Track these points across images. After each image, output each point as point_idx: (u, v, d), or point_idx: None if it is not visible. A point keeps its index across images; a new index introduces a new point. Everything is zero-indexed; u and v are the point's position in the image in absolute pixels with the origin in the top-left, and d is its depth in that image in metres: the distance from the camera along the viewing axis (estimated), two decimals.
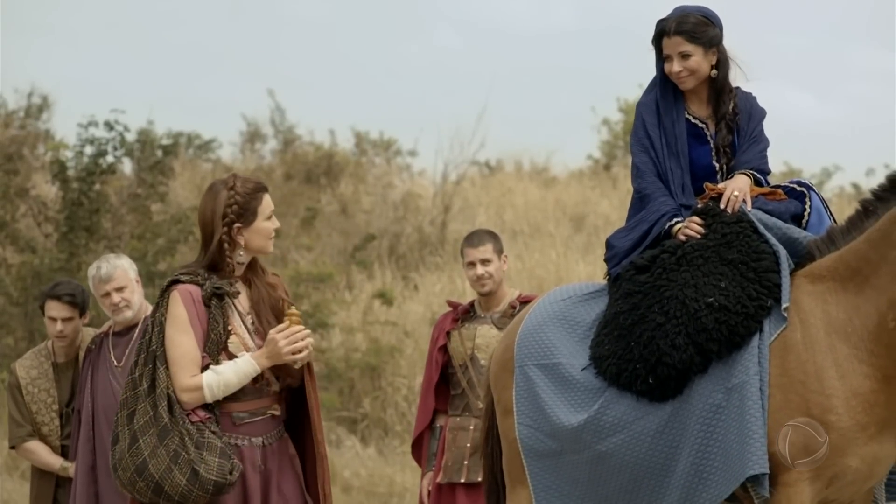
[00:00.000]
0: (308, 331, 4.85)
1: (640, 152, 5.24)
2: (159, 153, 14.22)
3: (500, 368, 5.36)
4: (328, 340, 13.95)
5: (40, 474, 6.39)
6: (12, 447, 6.49)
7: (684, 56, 5.17)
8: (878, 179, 5.20)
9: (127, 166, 14.87)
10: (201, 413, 4.76)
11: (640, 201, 5.23)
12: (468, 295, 14.86)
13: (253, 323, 4.87)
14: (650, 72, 5.37)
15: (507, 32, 28.88)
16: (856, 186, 21.61)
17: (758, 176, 5.18)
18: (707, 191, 5.20)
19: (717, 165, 5.27)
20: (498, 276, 6.38)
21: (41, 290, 6.83)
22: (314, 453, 4.96)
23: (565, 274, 15.48)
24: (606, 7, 29.56)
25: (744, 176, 5.15)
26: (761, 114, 5.30)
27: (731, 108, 5.24)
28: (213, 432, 4.74)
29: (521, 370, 5.23)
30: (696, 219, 5.11)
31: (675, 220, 5.13)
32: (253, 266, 4.94)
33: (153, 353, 4.77)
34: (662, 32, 5.22)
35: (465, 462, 6.34)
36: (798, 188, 5.22)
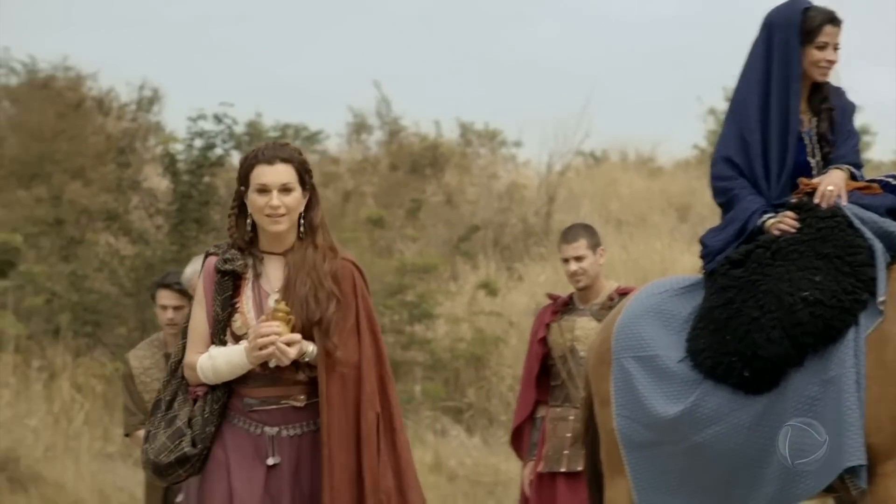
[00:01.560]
0: (278, 328, 4.34)
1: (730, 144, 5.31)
2: None
3: (598, 360, 5.47)
4: (433, 331, 14.09)
5: None
6: (126, 435, 6.70)
7: (837, 48, 5.24)
8: None
9: (235, 158, 15.13)
10: (198, 390, 4.47)
11: (727, 202, 5.30)
12: (571, 286, 14.94)
13: (277, 302, 4.41)
14: None
15: (610, 20, 28.85)
16: None
17: (853, 170, 5.23)
18: (801, 186, 5.25)
19: (811, 161, 5.33)
20: (593, 270, 6.44)
21: (153, 279, 7.04)
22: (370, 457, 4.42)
23: (670, 265, 15.49)
24: None
25: (839, 171, 5.20)
26: (852, 108, 5.35)
27: (826, 102, 5.29)
28: (200, 409, 4.44)
29: (619, 362, 5.33)
30: (790, 213, 5.17)
31: (767, 215, 5.19)
32: (303, 247, 4.48)
33: (185, 328, 4.57)
34: (831, 20, 5.25)
35: (566, 452, 6.44)
36: (894, 182, 5.25)
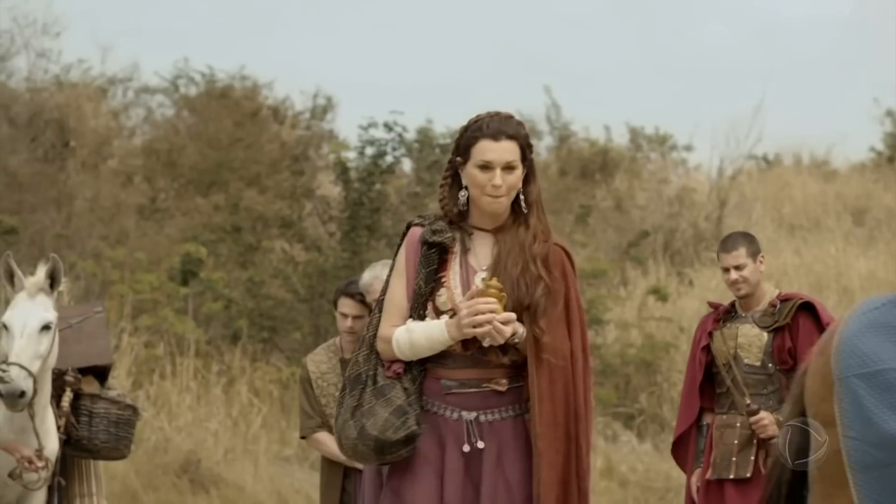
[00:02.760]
0: (495, 305, 4.09)
1: None
2: (437, 152, 14.63)
3: (819, 382, 5.29)
4: (603, 336, 14.13)
5: (329, 464, 6.70)
6: (303, 437, 6.88)
7: None
8: None
9: (406, 165, 15.35)
10: (396, 366, 4.22)
11: None
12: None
13: (483, 280, 4.17)
14: None
15: (780, 21, 28.50)
16: None
17: None
18: None
19: None
20: (753, 278, 6.44)
21: (336, 286, 7.16)
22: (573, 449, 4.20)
23: (845, 270, 15.33)
24: None
25: None
26: None
27: None
28: (405, 388, 4.19)
29: (844, 382, 5.20)
30: None
31: None
32: (518, 225, 4.24)
33: (380, 301, 4.32)
34: None
35: (734, 458, 6.49)
36: None
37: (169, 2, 25.60)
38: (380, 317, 4.27)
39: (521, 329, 4.14)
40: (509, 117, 4.22)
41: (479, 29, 27.73)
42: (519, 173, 4.19)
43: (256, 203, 14.79)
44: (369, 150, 13.85)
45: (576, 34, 27.83)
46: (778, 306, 6.43)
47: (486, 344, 4.13)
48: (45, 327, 5.90)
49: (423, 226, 4.26)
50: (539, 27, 28.33)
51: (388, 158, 13.89)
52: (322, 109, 18.29)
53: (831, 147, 21.31)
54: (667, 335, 14.31)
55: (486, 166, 4.15)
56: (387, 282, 4.33)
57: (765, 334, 6.46)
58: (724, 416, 6.54)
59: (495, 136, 4.16)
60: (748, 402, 6.44)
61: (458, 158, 4.21)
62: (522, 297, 4.14)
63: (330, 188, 15.03)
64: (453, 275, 4.21)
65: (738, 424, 6.47)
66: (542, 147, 20.14)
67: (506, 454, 4.18)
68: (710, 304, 6.79)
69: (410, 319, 4.20)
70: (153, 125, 17.80)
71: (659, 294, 14.68)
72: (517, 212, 4.22)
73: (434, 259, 4.22)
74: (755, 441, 6.43)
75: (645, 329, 14.39)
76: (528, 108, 19.92)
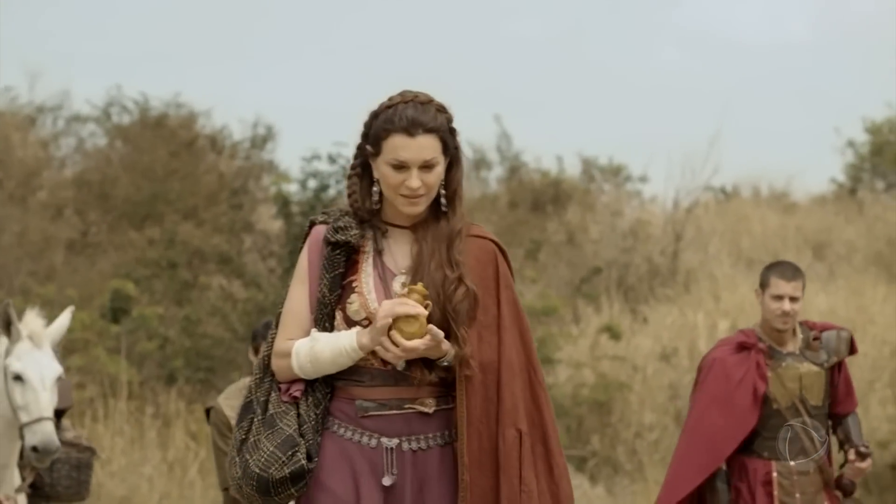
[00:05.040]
0: (425, 312, 3.66)
1: None
2: None
3: None
4: (554, 376, 14.25)
5: None
6: (225, 489, 6.87)
7: None
8: None
9: None
10: (294, 389, 3.79)
11: None
12: (700, 329, 15.06)
13: (404, 286, 3.73)
14: None
15: (737, 48, 28.86)
16: None
17: None
18: None
19: None
20: (799, 313, 6.31)
21: (254, 327, 7.14)
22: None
23: (805, 306, 15.51)
24: (842, 15, 29.27)
25: None
26: None
27: None
28: (299, 415, 3.76)
29: None
30: None
31: None
32: (436, 220, 3.81)
33: (278, 314, 3.89)
34: None
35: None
36: None
37: (101, 27, 25.69)
38: (275, 335, 3.83)
39: (451, 348, 3.73)
40: (427, 102, 3.72)
41: (428, 55, 27.94)
42: (440, 170, 3.75)
43: (193, 237, 14.84)
44: (312, 183, 13.97)
45: (527, 61, 28.09)
46: (821, 339, 6.32)
47: (397, 364, 3.72)
48: (59, 378, 6.03)
49: (326, 224, 3.81)
50: (489, 54, 28.58)
51: (332, 192, 14.00)
52: (262, 139, 18.34)
53: (791, 178, 21.62)
54: (620, 374, 14.44)
55: (400, 166, 3.71)
56: (286, 293, 3.89)
57: (823, 372, 6.34)
58: (793, 464, 6.30)
59: (410, 131, 3.70)
60: (863, 446, 6.28)
61: (369, 148, 3.75)
62: (447, 302, 3.71)
63: (270, 222, 15.11)
64: (366, 278, 3.76)
65: (811, 471, 6.28)
66: (492, 178, 20.31)
67: (429, 490, 3.76)
68: (743, 343, 6.40)
69: (315, 331, 3.76)
70: (84, 155, 17.83)
71: (612, 332, 14.82)
72: (436, 204, 3.79)
73: (340, 261, 3.77)
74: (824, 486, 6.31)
75: (598, 368, 14.52)
76: (477, 137, 20.07)
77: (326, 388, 3.77)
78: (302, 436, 3.70)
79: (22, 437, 6.00)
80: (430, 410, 3.75)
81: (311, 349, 3.72)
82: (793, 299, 6.22)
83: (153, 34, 26.50)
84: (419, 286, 3.67)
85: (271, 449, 3.69)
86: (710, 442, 6.31)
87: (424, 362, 3.72)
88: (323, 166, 14.00)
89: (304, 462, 3.68)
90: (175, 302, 14.12)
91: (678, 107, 27.15)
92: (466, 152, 20.78)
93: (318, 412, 3.75)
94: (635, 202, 20.12)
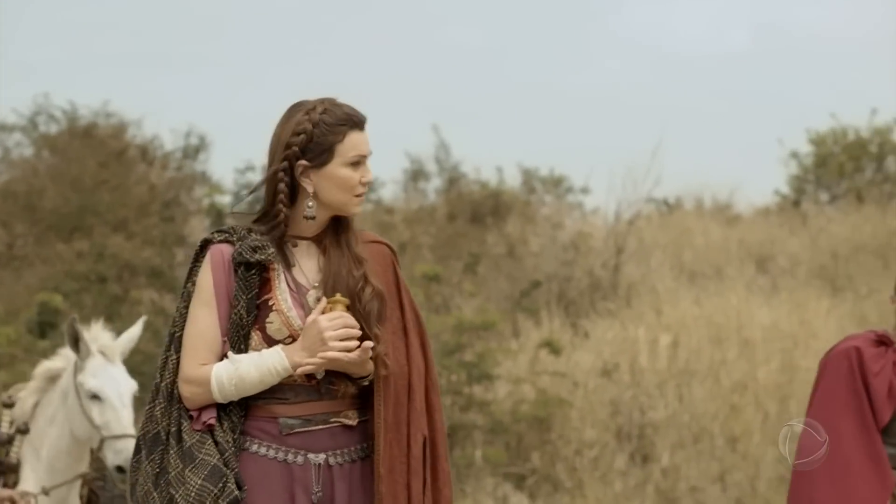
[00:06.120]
0: (356, 323, 3.76)
1: None
2: None
3: None
4: (493, 392, 14.28)
5: None
6: None
7: None
8: None
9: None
10: (207, 416, 3.79)
11: None
12: (641, 344, 15.16)
13: (318, 300, 3.81)
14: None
15: (678, 59, 29.07)
16: None
17: None
18: None
19: None
20: None
21: None
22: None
23: (747, 320, 15.66)
24: (784, 25, 29.56)
25: None
26: None
27: None
28: (217, 443, 3.76)
29: None
30: None
31: None
32: (339, 228, 3.89)
33: (173, 336, 3.87)
34: None
35: None
36: None
37: (27, 33, 25.56)
38: (177, 358, 3.84)
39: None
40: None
41: (364, 64, 27.98)
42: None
43: (123, 250, 14.79)
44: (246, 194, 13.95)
45: (466, 71, 28.19)
46: None
47: (319, 376, 3.79)
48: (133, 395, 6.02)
49: (229, 242, 3.84)
50: (427, 63, 28.65)
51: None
52: (194, 149, 18.31)
53: (734, 190, 21.78)
54: (561, 391, 14.49)
55: (358, 162, 3.84)
56: (181, 314, 3.89)
57: None
58: None
59: (362, 126, 3.87)
60: None
61: (306, 163, 3.82)
62: (357, 302, 3.81)
63: (203, 234, 15.08)
64: (282, 296, 3.81)
65: None
66: (430, 190, 20.33)
67: (357, 502, 3.83)
68: (882, 336, 6.05)
69: (231, 353, 3.79)
70: (10, 165, 17.74)
71: (552, 347, 14.86)
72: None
73: (255, 282, 3.80)
74: None
75: (538, 384, 14.56)
76: (415, 147, 20.12)
77: (241, 410, 3.80)
78: (226, 464, 3.72)
79: (99, 456, 5.98)
80: (354, 423, 3.83)
81: (234, 372, 3.75)
82: None
83: (82, 41, 26.42)
84: (340, 297, 3.77)
85: (199, 482, 3.69)
86: (862, 457, 5.85)
87: (344, 373, 3.80)
88: (257, 177, 13.99)
89: (237, 493, 3.71)
90: (105, 316, 14.06)
91: (620, 117, 27.32)
92: (404, 164, 20.92)
93: (234, 437, 3.79)
94: (576, 214, 20.21)
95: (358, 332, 3.76)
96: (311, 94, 3.93)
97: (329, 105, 3.83)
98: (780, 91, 28.19)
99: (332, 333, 3.73)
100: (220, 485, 3.71)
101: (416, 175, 20.33)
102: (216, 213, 14.08)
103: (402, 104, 26.47)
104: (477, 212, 18.91)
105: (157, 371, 3.90)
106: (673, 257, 18.64)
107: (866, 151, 21.65)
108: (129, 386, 6.03)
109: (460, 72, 28.63)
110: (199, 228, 15.51)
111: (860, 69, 28.92)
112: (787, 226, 20.15)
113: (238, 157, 16.34)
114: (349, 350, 3.74)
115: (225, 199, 14.40)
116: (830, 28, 29.24)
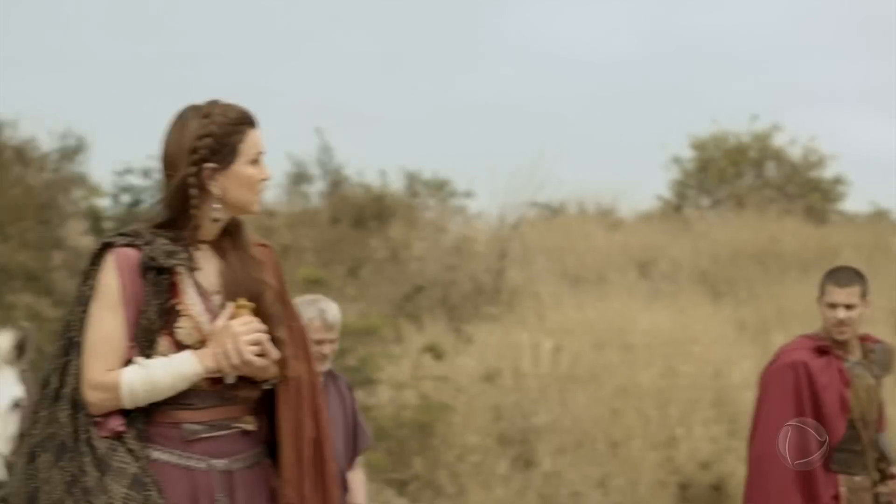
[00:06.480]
0: (264, 326, 3.84)
1: None
2: None
3: None
4: (375, 397, 14.28)
5: None
6: None
7: None
8: None
9: None
10: (115, 423, 3.76)
11: None
12: (524, 349, 15.25)
13: (222, 306, 3.85)
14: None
15: (563, 63, 29.30)
16: None
17: None
18: None
19: None
20: (858, 322, 6.24)
21: None
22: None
23: (629, 325, 15.82)
24: (672, 31, 29.93)
25: None
26: None
27: None
28: (131, 450, 3.74)
29: None
30: None
31: None
32: (234, 231, 3.94)
33: (71, 341, 3.82)
34: None
35: None
36: None
37: None
38: (64, 364, 3.80)
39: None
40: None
41: (245, 65, 27.87)
42: None
43: None
44: (125, 198, 13.88)
45: (349, 73, 28.18)
46: (876, 350, 6.31)
47: (230, 380, 3.82)
48: (16, 405, 5.76)
49: (135, 246, 3.82)
50: (310, 66, 28.62)
51: (146, 207, 13.92)
52: (72, 151, 18.10)
53: (618, 195, 21.98)
54: (444, 395, 14.54)
55: (257, 159, 3.91)
56: (79, 317, 3.84)
57: (878, 386, 6.31)
58: (858, 479, 6.23)
59: (256, 123, 3.92)
60: None
61: (214, 165, 3.85)
62: (263, 311, 3.86)
63: (81, 238, 14.96)
64: (191, 300, 3.83)
65: (867, 487, 6.24)
66: (313, 193, 20.29)
67: None
68: (821, 348, 6.26)
69: (140, 358, 3.78)
70: None
71: (435, 352, 14.89)
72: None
73: (165, 286, 3.80)
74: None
75: (420, 389, 14.59)
76: (298, 150, 20.07)
77: (146, 416, 3.79)
78: (145, 473, 3.73)
79: None
80: (254, 428, 3.87)
81: (146, 378, 3.74)
82: (848, 307, 6.15)
83: None
84: (244, 301, 3.82)
85: (123, 490, 3.69)
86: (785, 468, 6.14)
87: (248, 378, 3.83)
88: (136, 180, 13.93)
89: (160, 501, 3.72)
90: None
91: (504, 121, 27.46)
92: (286, 166, 20.85)
93: (142, 443, 3.78)
94: (460, 219, 20.26)
95: (267, 336, 3.80)
96: (194, 98, 3.95)
97: (222, 106, 3.86)
98: (662, 97, 28.51)
99: (246, 338, 3.76)
100: (145, 493, 3.71)
101: (299, 178, 20.28)
102: (94, 217, 13.94)
103: (284, 107, 26.41)
104: (360, 215, 18.90)
105: (50, 375, 3.84)
106: (556, 262, 18.77)
107: (746, 157, 21.97)
108: (7, 397, 5.82)
109: (344, 75, 28.63)
110: (76, 231, 15.36)
111: (741, 76, 29.36)
112: (670, 231, 20.35)
113: (117, 160, 16.16)
114: (262, 354, 3.79)
115: (104, 203, 14.27)
116: (711, 35, 29.63)
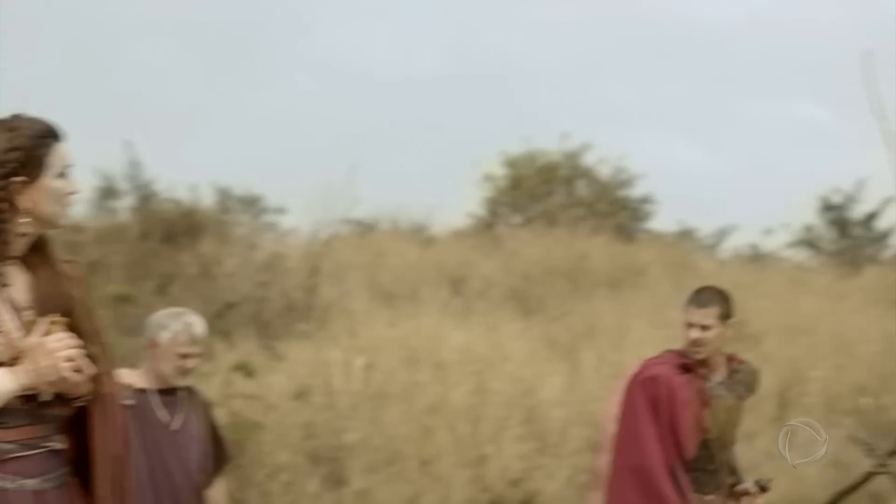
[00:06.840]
0: (79, 342, 3.82)
1: None
2: None
3: None
4: None
5: None
6: None
7: None
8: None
9: None
10: None
11: None
12: (333, 367, 15.27)
13: (34, 322, 3.84)
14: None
15: (371, 80, 29.43)
16: (753, 247, 22.43)
17: None
18: None
19: None
20: (715, 343, 6.31)
21: None
22: None
23: (441, 342, 15.91)
24: (474, 50, 30.27)
25: None
26: None
27: None
28: None
29: None
30: None
31: None
32: (41, 247, 3.92)
33: None
34: None
35: None
36: None
37: None
38: None
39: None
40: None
41: (50, 76, 27.49)
42: None
43: None
44: None
45: (159, 87, 27.95)
46: (740, 370, 6.41)
47: (45, 397, 3.79)
48: None
49: None
50: (117, 78, 28.31)
51: None
52: None
53: (430, 212, 22.14)
54: (254, 414, 14.51)
55: (64, 173, 3.90)
56: None
57: (740, 406, 6.40)
58: (712, 497, 6.34)
59: (61, 137, 3.92)
60: (767, 479, 6.33)
61: (24, 179, 3.83)
62: (76, 327, 3.85)
63: None
64: (2, 316, 3.80)
65: None
66: (122, 208, 20.13)
67: None
68: (685, 365, 6.35)
69: None
70: None
71: (246, 369, 14.85)
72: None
73: None
74: None
75: (231, 407, 14.54)
76: (106, 164, 19.88)
77: None
78: None
79: None
80: (62, 446, 3.85)
81: None
82: (703, 327, 6.27)
83: None
84: (57, 317, 3.80)
85: None
86: (661, 475, 6.25)
87: (62, 398, 3.82)
88: None
89: None
90: None
91: (316, 138, 27.48)
92: (93, 180, 20.60)
93: None
94: (272, 235, 20.27)
95: (81, 353, 3.79)
96: None
97: (27, 119, 3.86)
98: (474, 114, 28.79)
99: (62, 354, 3.75)
100: None
101: (108, 193, 20.12)
102: None
103: (90, 121, 26.10)
104: (170, 231, 18.78)
105: None
106: (368, 279, 18.85)
107: (557, 175, 22.30)
108: None
109: (153, 89, 28.38)
110: None
111: (551, 94, 29.76)
112: (481, 248, 20.55)
113: None
114: (78, 371, 3.78)
115: None
116: (521, 53, 29.98)
